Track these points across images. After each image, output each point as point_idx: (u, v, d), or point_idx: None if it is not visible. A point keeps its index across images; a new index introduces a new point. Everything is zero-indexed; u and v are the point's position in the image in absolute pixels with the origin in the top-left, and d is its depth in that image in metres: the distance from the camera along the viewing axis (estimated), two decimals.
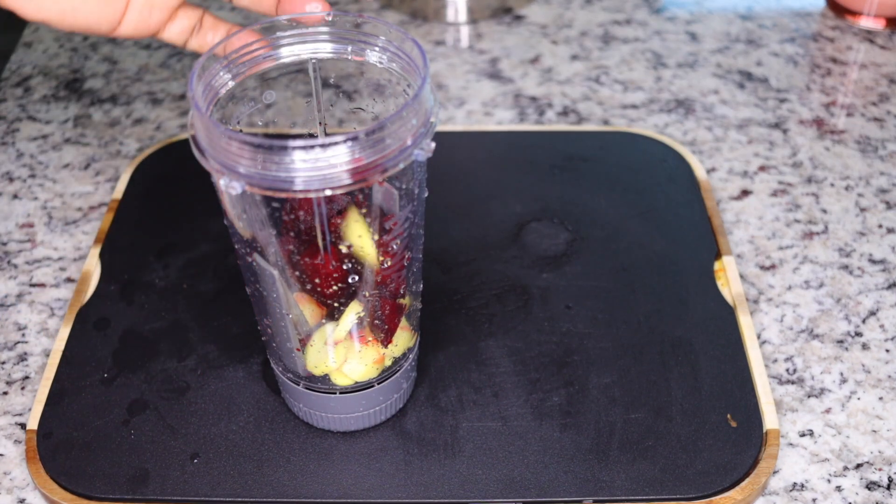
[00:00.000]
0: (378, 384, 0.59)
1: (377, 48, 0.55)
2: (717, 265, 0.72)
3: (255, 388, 0.64)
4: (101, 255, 0.73)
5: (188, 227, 0.76)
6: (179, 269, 0.72)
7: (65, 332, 0.67)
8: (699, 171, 0.79)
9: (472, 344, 0.66)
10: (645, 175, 0.79)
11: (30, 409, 0.64)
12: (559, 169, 0.80)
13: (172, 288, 0.71)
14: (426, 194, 0.55)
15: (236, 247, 0.55)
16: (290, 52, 0.56)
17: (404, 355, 0.60)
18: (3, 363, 0.67)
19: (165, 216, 0.76)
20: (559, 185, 0.78)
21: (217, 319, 0.68)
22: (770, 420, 0.61)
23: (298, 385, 0.59)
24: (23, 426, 0.63)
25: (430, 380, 0.64)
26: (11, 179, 0.82)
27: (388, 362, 0.59)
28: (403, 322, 0.58)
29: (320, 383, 0.59)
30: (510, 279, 0.71)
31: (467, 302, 0.69)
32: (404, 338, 0.59)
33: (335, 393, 0.59)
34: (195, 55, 0.96)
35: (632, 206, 0.77)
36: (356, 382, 0.59)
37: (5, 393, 0.66)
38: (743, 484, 0.58)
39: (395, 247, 0.54)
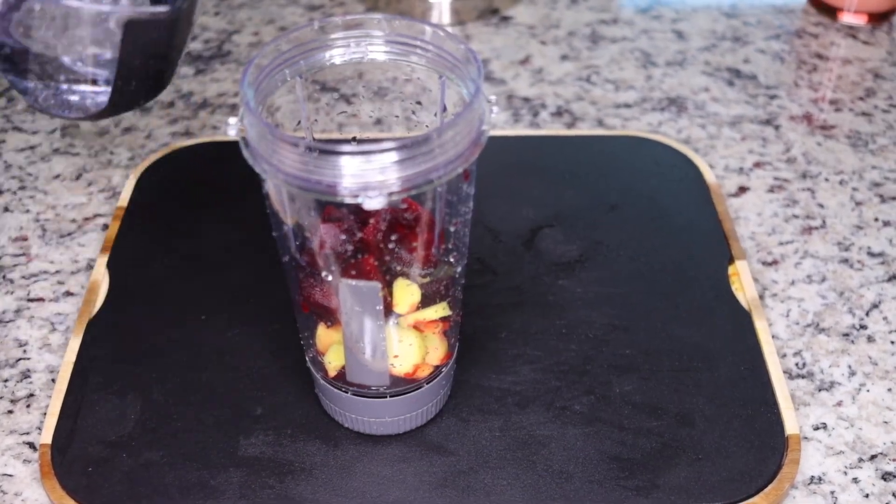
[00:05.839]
0: (427, 384, 0.60)
1: (423, 49, 0.56)
2: (730, 270, 0.72)
3: (275, 401, 0.63)
4: (109, 265, 0.72)
5: (196, 234, 0.75)
6: (189, 278, 0.71)
7: (75, 344, 0.66)
8: (708, 176, 0.79)
9: (490, 353, 0.66)
10: (656, 180, 0.80)
11: (37, 428, 0.63)
12: (570, 174, 0.80)
13: (183, 297, 0.70)
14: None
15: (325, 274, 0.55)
16: (344, 54, 0.56)
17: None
18: (6, 381, 0.66)
19: (173, 224, 0.76)
20: (570, 190, 0.78)
21: (231, 329, 0.67)
22: (790, 426, 0.62)
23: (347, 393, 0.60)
24: (30, 445, 0.62)
25: (451, 390, 0.64)
26: (1, 192, 0.81)
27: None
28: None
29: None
30: (526, 286, 0.71)
31: (484, 310, 0.69)
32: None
33: (386, 397, 0.59)
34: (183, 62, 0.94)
35: (643, 211, 0.77)
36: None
37: (10, 412, 0.64)
38: (766, 490, 0.58)
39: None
